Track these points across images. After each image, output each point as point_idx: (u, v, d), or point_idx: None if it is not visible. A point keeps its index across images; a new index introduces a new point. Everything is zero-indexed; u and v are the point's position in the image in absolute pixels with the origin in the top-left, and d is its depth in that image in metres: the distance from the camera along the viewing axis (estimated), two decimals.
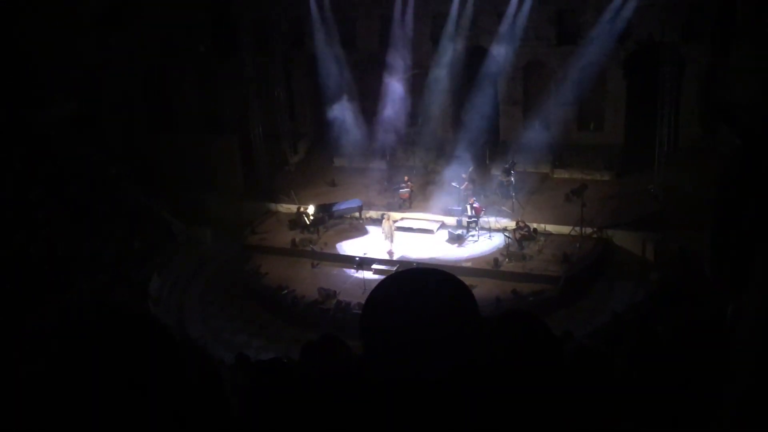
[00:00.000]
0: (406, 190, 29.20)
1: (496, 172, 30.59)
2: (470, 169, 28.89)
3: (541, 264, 24.49)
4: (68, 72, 30.36)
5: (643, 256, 25.05)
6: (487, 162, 31.59)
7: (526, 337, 2.48)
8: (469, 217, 26.85)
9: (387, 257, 25.84)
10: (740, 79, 25.55)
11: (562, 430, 2.38)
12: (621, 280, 24.39)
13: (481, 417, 2.27)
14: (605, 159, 30.16)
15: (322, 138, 34.73)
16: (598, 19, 29.46)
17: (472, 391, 2.24)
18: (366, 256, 25.71)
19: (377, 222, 27.93)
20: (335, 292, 24.26)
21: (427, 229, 27.63)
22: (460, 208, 27.45)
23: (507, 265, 24.46)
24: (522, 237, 25.31)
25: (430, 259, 25.30)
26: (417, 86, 33.92)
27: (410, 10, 32.02)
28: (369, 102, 34.89)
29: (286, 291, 25.12)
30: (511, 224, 26.26)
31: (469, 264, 24.67)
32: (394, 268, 24.84)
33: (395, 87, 33.00)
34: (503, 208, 27.87)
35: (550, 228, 26.48)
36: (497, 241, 26.07)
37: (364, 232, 28.34)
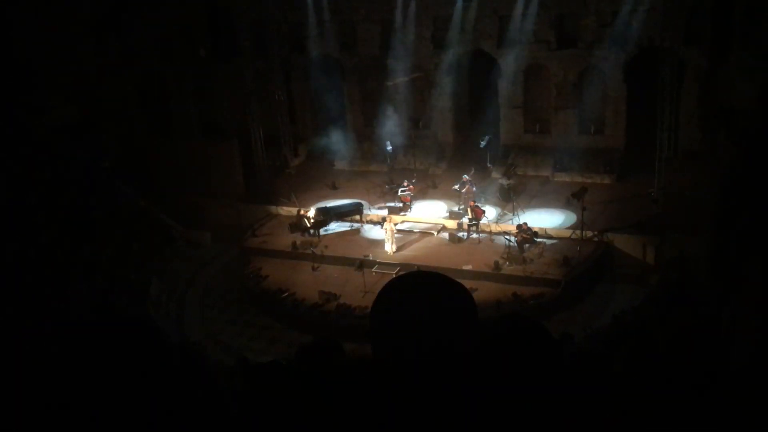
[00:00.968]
0: (407, 193, 29.22)
1: (497, 175, 30.63)
2: (471, 172, 28.95)
3: (541, 267, 24.48)
4: (67, 77, 30.42)
5: (643, 260, 25.05)
6: (488, 165, 31.62)
7: (524, 340, 2.48)
8: (470, 220, 26.87)
9: (388, 259, 25.84)
10: (738, 83, 25.63)
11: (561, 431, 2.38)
12: (621, 283, 24.40)
13: (480, 419, 2.27)
14: (606, 162, 30.18)
15: (321, 141, 34.78)
16: (598, 22, 29.53)
17: (470, 393, 2.24)
18: (367, 258, 25.72)
19: (378, 225, 27.97)
20: (336, 295, 24.24)
21: (428, 232, 27.63)
22: (461, 211, 27.51)
23: (507, 269, 24.45)
24: (523, 240, 25.30)
25: (431, 261, 25.26)
26: (418, 90, 33.98)
27: (411, 14, 32.06)
28: (370, 106, 35.00)
29: (286, 294, 25.11)
30: (511, 227, 26.25)
31: (469, 267, 24.64)
32: (395, 271, 24.86)
33: (396, 91, 33.10)
34: (504, 211, 27.88)
35: (551, 231, 26.49)
36: (498, 244, 26.05)
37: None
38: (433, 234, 27.53)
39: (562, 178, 30.58)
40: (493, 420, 2.28)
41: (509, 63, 31.25)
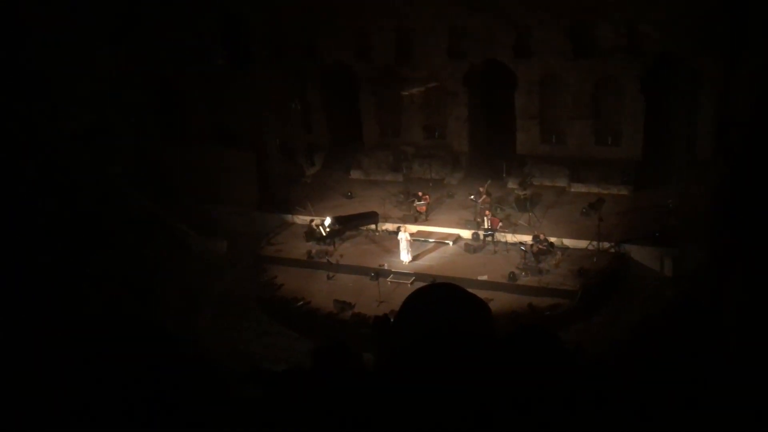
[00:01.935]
0: (422, 203, 29.23)
1: (513, 185, 30.57)
2: (487, 183, 28.93)
3: (557, 278, 24.37)
4: (83, 84, 30.69)
5: (660, 272, 24.87)
6: (504, 176, 31.57)
7: (539, 351, 2.48)
8: (486, 231, 26.82)
9: (403, 269, 25.83)
10: (743, 95, 25.51)
11: None
12: (638, 294, 24.22)
13: (493, 427, 2.27)
14: (622, 173, 30.03)
15: (338, 150, 34.88)
16: (614, 32, 29.46)
17: (485, 401, 2.24)
18: (382, 267, 25.73)
19: (393, 234, 27.98)
20: (351, 304, 24.23)
21: (444, 242, 27.59)
22: (477, 221, 27.49)
23: (523, 279, 24.37)
24: (539, 251, 25.21)
25: (446, 271, 25.21)
26: (433, 99, 34.02)
27: (426, 24, 32.14)
28: (385, 115, 35.09)
29: (301, 302, 25.14)
30: (527, 238, 26.16)
31: (485, 277, 24.57)
32: (410, 280, 24.85)
33: (411, 100, 33.17)
34: (520, 221, 27.80)
35: (567, 242, 26.37)
36: (514, 254, 25.96)
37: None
38: (448, 244, 27.48)
39: (579, 188, 30.48)
40: (506, 428, 2.28)
41: (525, 73, 31.24)
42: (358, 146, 35.69)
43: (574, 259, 25.44)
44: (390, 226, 29.02)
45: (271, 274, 27.40)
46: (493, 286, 23.86)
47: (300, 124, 34.65)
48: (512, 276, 24.37)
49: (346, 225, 28.63)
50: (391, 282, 25.19)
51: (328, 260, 26.91)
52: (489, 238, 26.78)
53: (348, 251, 27.78)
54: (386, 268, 25.87)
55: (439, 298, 2.40)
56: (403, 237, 26.55)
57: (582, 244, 26.12)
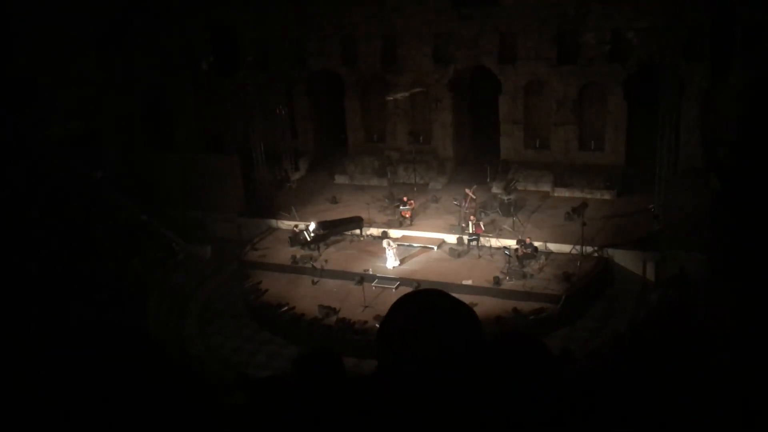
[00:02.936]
0: (407, 207, 29.26)
1: (497, 190, 30.68)
2: (473, 188, 29.02)
3: (541, 282, 24.46)
4: (71, 90, 30.54)
5: (643, 276, 25.02)
6: (488, 180, 31.68)
7: (524, 359, 2.48)
8: (470, 235, 26.87)
9: (388, 274, 25.82)
10: (730, 110, 25.78)
11: None
12: (621, 299, 24.36)
13: None
14: (606, 178, 30.25)
15: (323, 155, 34.87)
16: (598, 39, 29.69)
17: (472, 408, 2.24)
18: (367, 272, 25.70)
19: (378, 239, 27.99)
20: (336, 309, 24.19)
21: (428, 247, 27.62)
22: (462, 226, 27.54)
23: (507, 284, 24.42)
24: (524, 255, 25.29)
25: (431, 276, 25.22)
26: (418, 105, 34.11)
27: (412, 30, 32.22)
28: (371, 120, 35.14)
29: (285, 308, 25.05)
30: (511, 242, 26.24)
31: (469, 282, 24.61)
32: (395, 285, 24.83)
33: (396, 105, 33.22)
34: (504, 226, 27.89)
35: (552, 246, 26.49)
36: (498, 259, 26.03)
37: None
38: (433, 249, 27.51)
39: (563, 193, 30.65)
40: None
41: (510, 79, 31.40)
42: (343, 151, 35.73)
43: (558, 263, 25.56)
44: (374, 231, 29.03)
45: (256, 279, 27.30)
46: (477, 291, 23.90)
47: (286, 129, 34.59)
48: (497, 281, 24.44)
49: (330, 230, 28.61)
50: (375, 287, 25.16)
51: (312, 265, 26.86)
52: (473, 243, 26.84)
53: (332, 256, 27.72)
54: (371, 272, 25.85)
55: (427, 304, 2.39)
56: (388, 242, 26.60)
57: (566, 248, 26.25)
